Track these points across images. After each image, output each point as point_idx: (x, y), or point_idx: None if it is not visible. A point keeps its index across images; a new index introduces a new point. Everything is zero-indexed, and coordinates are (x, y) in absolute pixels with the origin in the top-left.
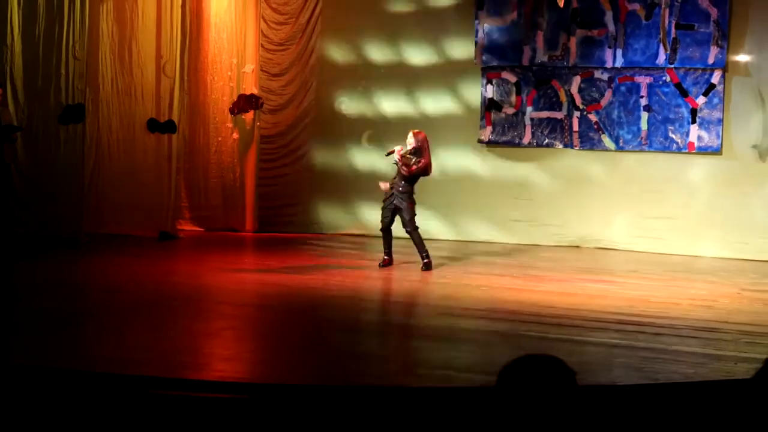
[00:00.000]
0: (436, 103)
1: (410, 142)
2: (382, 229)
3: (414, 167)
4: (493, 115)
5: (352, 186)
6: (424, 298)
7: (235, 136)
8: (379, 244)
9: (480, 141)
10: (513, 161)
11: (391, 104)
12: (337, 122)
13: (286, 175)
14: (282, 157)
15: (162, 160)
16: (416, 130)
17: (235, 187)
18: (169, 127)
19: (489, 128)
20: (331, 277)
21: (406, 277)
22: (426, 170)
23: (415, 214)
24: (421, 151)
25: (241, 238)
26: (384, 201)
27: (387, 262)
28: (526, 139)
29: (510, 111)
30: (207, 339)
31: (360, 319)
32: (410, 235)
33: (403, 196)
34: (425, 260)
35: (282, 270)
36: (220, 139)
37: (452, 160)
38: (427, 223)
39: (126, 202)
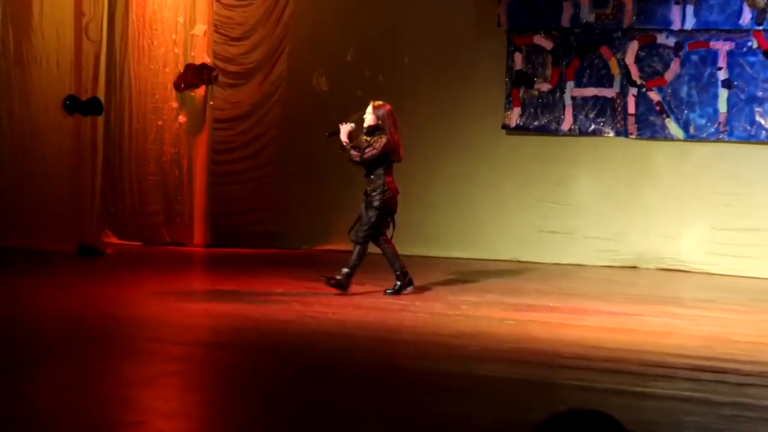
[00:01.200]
0: (446, 78)
1: (368, 117)
2: (372, 243)
3: (368, 153)
4: (522, 94)
5: (334, 186)
6: (433, 334)
7: (181, 119)
8: (373, 263)
9: (505, 127)
10: (548, 154)
11: (387, 79)
12: (314, 102)
13: (247, 171)
14: (241, 147)
15: (83, 150)
16: (378, 102)
17: (181, 188)
18: (93, 107)
19: (517, 110)
20: (308, 307)
21: (408, 307)
22: (390, 152)
23: (375, 224)
24: (381, 130)
25: (187, 254)
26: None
27: (398, 285)
28: (566, 125)
29: (544, 87)
30: (141, 388)
31: (347, 364)
32: (354, 244)
33: (373, 197)
34: (340, 283)
35: (241, 297)
36: (160, 123)
37: (468, 152)
38: (434, 234)
39: (34, 207)
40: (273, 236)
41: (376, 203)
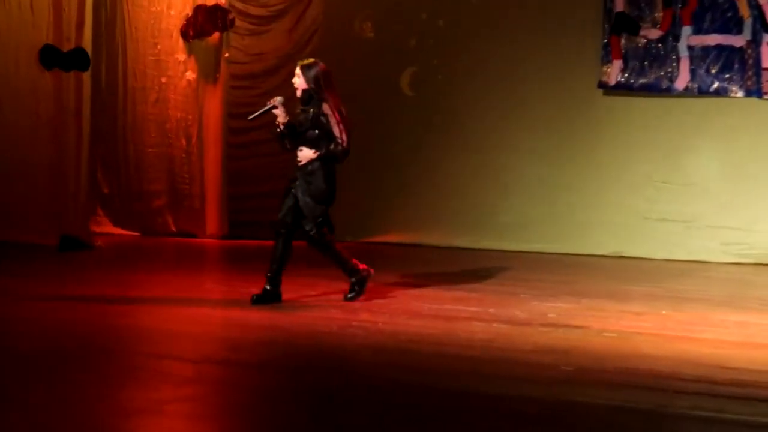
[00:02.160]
0: (525, 23)
1: (297, 81)
2: (275, 231)
3: (343, 134)
4: (624, 43)
5: (385, 162)
6: (512, 351)
7: (190, 76)
8: (432, 259)
9: (602, 86)
10: (657, 120)
11: (449, 24)
12: (356, 53)
13: (272, 142)
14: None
15: (65, 115)
16: (307, 60)
17: (189, 163)
18: (77, 60)
19: (617, 64)
20: (353, 315)
21: (480, 315)
22: (344, 147)
23: (324, 210)
24: (317, 95)
25: (198, 247)
26: (287, 183)
27: (267, 294)
28: (681, 82)
29: (653, 35)
30: (142, 418)
31: (402, 388)
32: (316, 246)
33: (307, 179)
34: (354, 278)
35: (269, 304)
36: (164, 80)
37: (553, 120)
38: (511, 222)
39: (3, 189)
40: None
41: (311, 188)
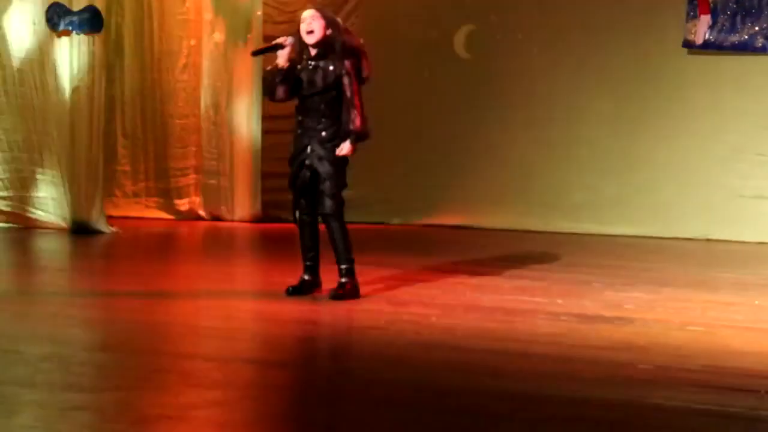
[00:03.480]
0: None
1: (312, 25)
2: (294, 218)
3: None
4: None
5: (430, 135)
6: (584, 347)
7: (218, 37)
8: (492, 243)
9: (688, 45)
10: (752, 83)
11: None
12: (405, 10)
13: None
14: None
15: (76, 84)
16: (316, 7)
17: (218, 137)
18: (90, 19)
19: (705, 20)
20: (402, 308)
21: (545, 307)
22: (358, 129)
23: (345, 185)
24: (344, 47)
25: (227, 231)
26: (291, 160)
27: (305, 285)
28: None
29: None
30: (165, 426)
31: (458, 390)
32: (327, 224)
33: (326, 147)
34: (345, 278)
35: (307, 295)
36: (192, 43)
37: (632, 83)
38: (584, 202)
39: (8, 167)
40: (351, 206)
41: (332, 156)
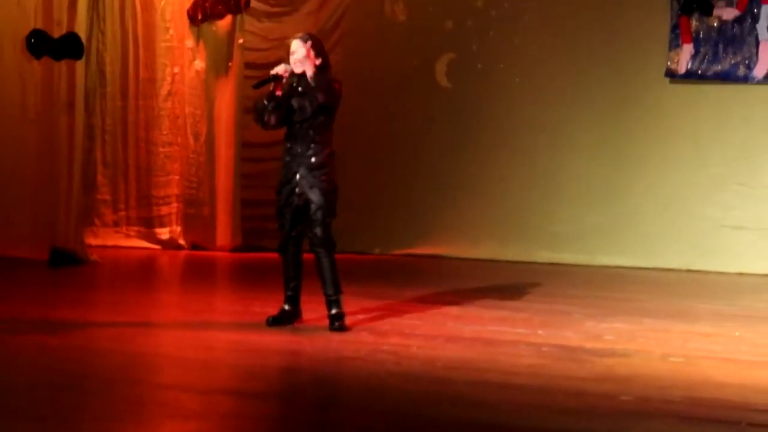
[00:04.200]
0: (582, 3)
1: (299, 52)
2: (280, 247)
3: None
4: (695, 24)
5: (421, 166)
6: (565, 378)
7: (199, 65)
8: (473, 273)
9: (670, 74)
10: (733, 113)
11: (490, 6)
12: (386, 39)
13: None
14: None
15: (56, 111)
16: (303, 35)
17: (198, 166)
18: (71, 46)
19: (687, 49)
20: (383, 338)
21: (527, 338)
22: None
23: (335, 214)
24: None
25: (208, 260)
26: (279, 188)
27: (285, 315)
28: (761, 70)
29: (729, 14)
30: None
31: (439, 421)
32: (318, 254)
33: (315, 174)
34: (338, 308)
35: (287, 326)
36: (176, 71)
37: (614, 113)
38: (565, 232)
39: None
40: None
41: (323, 185)
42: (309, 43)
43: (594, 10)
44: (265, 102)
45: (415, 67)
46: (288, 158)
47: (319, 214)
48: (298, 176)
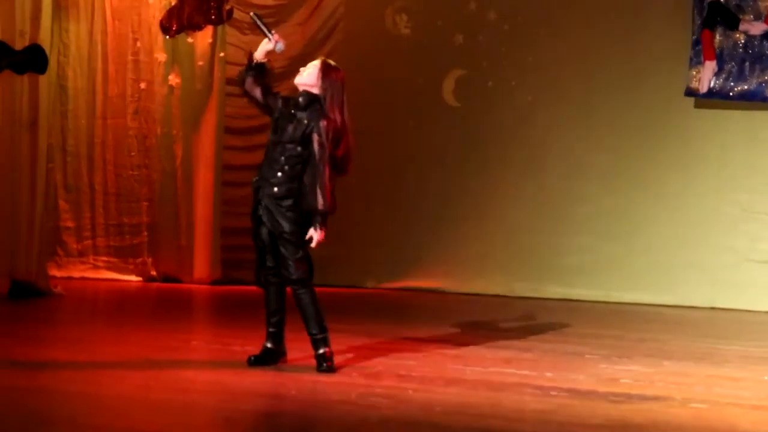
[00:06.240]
0: (598, 17)
1: (308, 72)
2: (256, 279)
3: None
4: (719, 39)
5: (413, 189)
6: (576, 426)
7: (173, 80)
8: (477, 309)
9: (691, 93)
10: (760, 135)
11: (502, 19)
12: (387, 54)
13: None
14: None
15: (17, 129)
16: (331, 62)
17: (173, 190)
18: (34, 59)
19: (710, 66)
20: (377, 381)
21: (533, 380)
22: (345, 158)
23: (306, 244)
24: (321, 106)
25: (183, 295)
26: (252, 206)
27: (268, 354)
28: None
29: (756, 29)
30: None
31: None
32: (294, 293)
33: (280, 203)
34: (324, 348)
35: (270, 366)
36: (143, 87)
37: (630, 136)
38: (578, 265)
39: None
40: (320, 267)
41: (290, 214)
42: (322, 67)
43: (613, 27)
44: (248, 65)
45: (420, 84)
46: (256, 178)
47: (288, 250)
48: (263, 204)
